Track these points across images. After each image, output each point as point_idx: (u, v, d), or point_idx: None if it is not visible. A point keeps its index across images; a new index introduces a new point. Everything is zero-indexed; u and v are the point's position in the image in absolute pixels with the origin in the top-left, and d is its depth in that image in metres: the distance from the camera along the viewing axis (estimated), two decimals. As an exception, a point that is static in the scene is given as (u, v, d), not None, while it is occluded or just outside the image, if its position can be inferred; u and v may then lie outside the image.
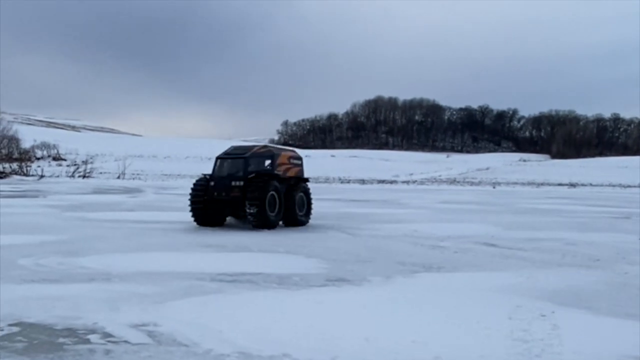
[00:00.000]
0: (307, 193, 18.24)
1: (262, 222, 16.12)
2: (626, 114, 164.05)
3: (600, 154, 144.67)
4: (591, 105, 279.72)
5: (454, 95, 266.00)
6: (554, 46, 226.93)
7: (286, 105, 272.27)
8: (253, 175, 16.50)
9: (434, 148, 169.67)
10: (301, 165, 18.69)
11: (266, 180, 16.37)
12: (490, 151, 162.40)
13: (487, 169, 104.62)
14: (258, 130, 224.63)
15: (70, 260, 10.47)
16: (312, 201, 18.63)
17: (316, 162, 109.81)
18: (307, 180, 18.76)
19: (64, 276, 9.02)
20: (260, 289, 8.28)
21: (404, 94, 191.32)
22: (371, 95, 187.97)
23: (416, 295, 8.05)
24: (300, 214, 17.66)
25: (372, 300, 7.68)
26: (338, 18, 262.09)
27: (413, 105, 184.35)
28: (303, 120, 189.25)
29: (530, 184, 72.38)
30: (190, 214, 16.94)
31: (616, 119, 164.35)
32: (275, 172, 17.07)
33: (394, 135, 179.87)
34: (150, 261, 10.60)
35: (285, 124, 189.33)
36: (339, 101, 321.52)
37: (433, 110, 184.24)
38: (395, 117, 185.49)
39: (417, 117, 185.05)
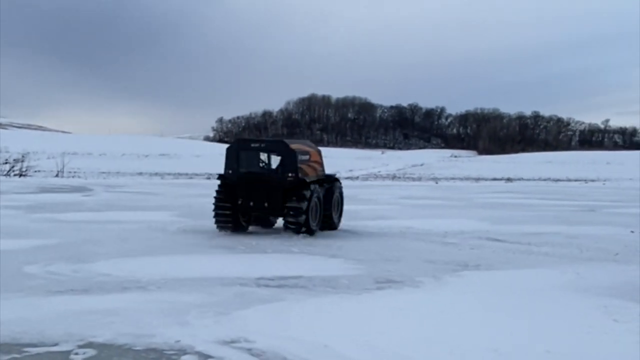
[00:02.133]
0: (341, 193, 16.24)
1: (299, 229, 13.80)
2: (545, 112, 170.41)
3: (523, 150, 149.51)
4: (513, 104, 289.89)
5: (385, 93, 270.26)
6: (478, 47, 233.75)
7: (220, 103, 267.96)
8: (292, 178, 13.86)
9: (367, 145, 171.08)
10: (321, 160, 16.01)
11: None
12: (420, 148, 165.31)
13: (422, 164, 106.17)
14: (192, 127, 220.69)
15: (82, 267, 9.40)
16: None
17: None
18: (337, 179, 16.50)
19: (91, 285, 8.00)
20: (320, 294, 7.59)
21: (337, 92, 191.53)
22: (305, 93, 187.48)
23: (484, 296, 7.58)
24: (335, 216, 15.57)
25: (446, 303, 7.15)
26: (270, 17, 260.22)
27: (346, 103, 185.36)
28: (238, 118, 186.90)
29: (467, 179, 73.68)
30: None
31: (536, 117, 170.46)
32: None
33: (328, 132, 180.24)
34: (173, 266, 9.65)
35: (220, 121, 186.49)
36: (273, 98, 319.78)
37: (365, 108, 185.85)
38: (329, 114, 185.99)
39: (350, 115, 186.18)
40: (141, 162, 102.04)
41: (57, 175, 62.13)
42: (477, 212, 21.52)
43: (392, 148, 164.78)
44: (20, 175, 60.68)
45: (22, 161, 66.61)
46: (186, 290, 7.74)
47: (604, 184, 58.09)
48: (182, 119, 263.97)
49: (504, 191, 39.52)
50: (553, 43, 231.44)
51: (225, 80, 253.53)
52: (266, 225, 15.49)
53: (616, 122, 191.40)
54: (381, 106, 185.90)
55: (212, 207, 14.47)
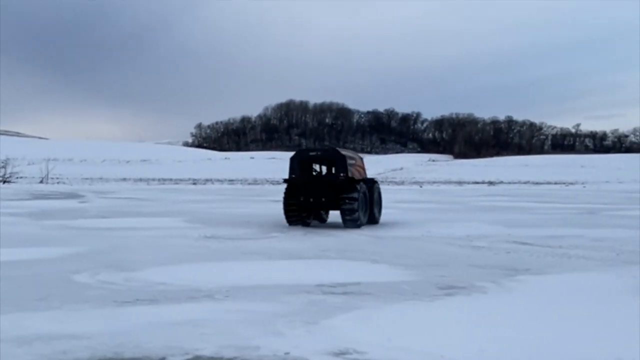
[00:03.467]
0: (380, 193, 19.04)
1: (355, 221, 16.47)
2: (519, 117, 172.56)
3: (498, 154, 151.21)
4: (487, 109, 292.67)
5: (362, 99, 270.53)
6: (452, 54, 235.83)
7: (198, 108, 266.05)
8: (344, 177, 16.72)
9: (345, 149, 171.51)
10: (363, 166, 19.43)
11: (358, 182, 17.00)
12: (397, 152, 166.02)
13: (401, 169, 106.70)
14: (170, 133, 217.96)
15: (132, 276, 9.07)
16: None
17: (237, 165, 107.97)
18: (375, 181, 19.24)
19: (155, 295, 7.68)
20: (393, 301, 7.36)
21: (314, 98, 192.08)
22: (283, 99, 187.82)
23: (554, 301, 7.42)
24: (377, 212, 18.35)
25: (523, 308, 6.98)
26: (248, 23, 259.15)
27: (323, 109, 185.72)
28: (217, 123, 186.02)
29: (448, 182, 74.20)
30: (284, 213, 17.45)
31: (510, 121, 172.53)
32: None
33: (306, 137, 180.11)
34: (223, 273, 9.37)
35: (199, 126, 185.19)
36: (252, 104, 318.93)
37: (342, 113, 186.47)
38: (307, 119, 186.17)
39: (327, 120, 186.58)
40: (123, 168, 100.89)
41: (41, 182, 61.02)
42: (483, 216, 21.55)
43: (370, 152, 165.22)
44: (4, 181, 59.42)
45: (4, 167, 65.31)
46: (255, 298, 7.47)
47: (584, 186, 59.02)
48: (160, 125, 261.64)
49: (494, 194, 39.84)
50: (525, 50, 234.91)
51: (203, 86, 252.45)
52: (321, 220, 18.66)
53: (587, 127, 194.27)
54: (358, 111, 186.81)
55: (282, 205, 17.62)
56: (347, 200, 16.29)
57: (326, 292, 7.95)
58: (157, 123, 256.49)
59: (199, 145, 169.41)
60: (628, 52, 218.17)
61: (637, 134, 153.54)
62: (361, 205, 16.61)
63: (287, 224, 17.61)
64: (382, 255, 11.42)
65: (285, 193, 17.31)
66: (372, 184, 18.42)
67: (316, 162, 17.86)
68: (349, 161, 17.13)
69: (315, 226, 17.43)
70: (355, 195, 16.30)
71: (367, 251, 12.08)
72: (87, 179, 72.51)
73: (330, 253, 11.79)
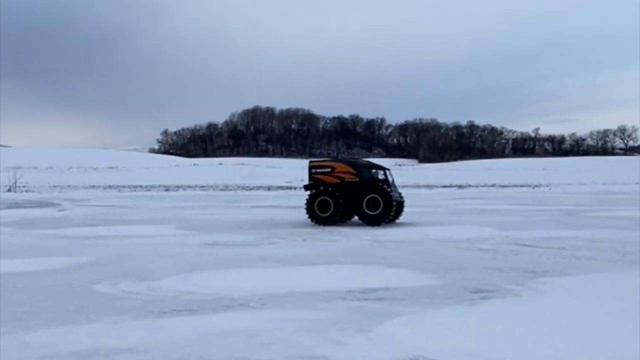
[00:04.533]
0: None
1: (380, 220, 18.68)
2: (480, 121, 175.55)
3: (461, 158, 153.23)
4: (450, 114, 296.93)
5: (327, 105, 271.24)
6: (415, 61, 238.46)
7: (164, 115, 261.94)
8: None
9: (312, 155, 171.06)
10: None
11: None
12: (363, 157, 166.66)
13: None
14: (136, 140, 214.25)
15: (154, 285, 8.80)
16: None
17: (206, 171, 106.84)
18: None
19: (190, 304, 7.44)
20: (432, 306, 7.29)
21: (280, 104, 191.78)
22: (249, 105, 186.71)
23: (589, 302, 7.46)
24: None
25: (565, 310, 6.99)
26: (214, 30, 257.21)
27: (289, 115, 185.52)
28: (183, 130, 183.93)
29: (417, 186, 74.73)
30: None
31: (472, 126, 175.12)
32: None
33: (273, 143, 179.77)
34: (247, 280, 9.16)
35: (165, 133, 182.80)
36: (218, 111, 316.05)
37: (308, 119, 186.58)
38: (274, 126, 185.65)
39: (294, 126, 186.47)
40: (90, 175, 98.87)
41: (9, 190, 59.28)
42: (471, 219, 21.70)
43: (336, 158, 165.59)
44: (-30, 190, 57.47)
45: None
46: (294, 306, 7.30)
47: (550, 189, 60.08)
48: (125, 131, 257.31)
49: (468, 198, 40.28)
50: (485, 58, 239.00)
51: (169, 93, 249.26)
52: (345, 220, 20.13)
53: (545, 131, 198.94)
54: (324, 117, 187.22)
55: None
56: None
57: (360, 298, 7.83)
58: (122, 130, 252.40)
59: (166, 152, 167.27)
60: (578, 60, 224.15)
61: (594, 137, 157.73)
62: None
63: (281, 229, 17.63)
64: (394, 260, 11.34)
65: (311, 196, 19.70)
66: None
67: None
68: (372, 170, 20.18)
69: (310, 232, 17.25)
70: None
71: (377, 256, 11.99)
72: (55, 186, 70.75)
73: (341, 258, 11.66)
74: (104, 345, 5.61)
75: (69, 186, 74.50)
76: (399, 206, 20.15)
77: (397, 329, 6.20)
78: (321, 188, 19.66)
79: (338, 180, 19.64)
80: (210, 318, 6.73)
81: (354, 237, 15.51)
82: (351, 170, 19.78)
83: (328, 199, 19.36)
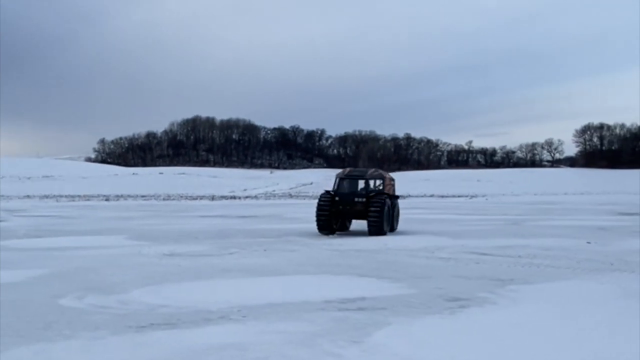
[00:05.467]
0: (398, 207, 21.05)
1: (379, 230, 18.51)
2: (417, 134, 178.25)
3: (399, 169, 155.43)
4: (388, 126, 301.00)
5: (268, 115, 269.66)
6: (354, 74, 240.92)
7: (101, 123, 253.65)
8: (374, 193, 19.36)
9: (253, 165, 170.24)
10: (394, 185, 21.65)
11: (384, 197, 19.04)
12: (304, 167, 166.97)
13: (312, 183, 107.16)
14: (71, 148, 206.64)
15: (124, 298, 8.39)
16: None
17: (146, 180, 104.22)
18: (397, 197, 21.80)
19: (168, 318, 7.11)
20: (415, 315, 7.23)
21: (221, 114, 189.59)
22: (189, 115, 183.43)
23: (564, 309, 7.58)
24: (395, 223, 20.41)
25: (543, 317, 7.07)
26: (152, 38, 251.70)
27: (230, 125, 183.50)
28: (121, 139, 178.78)
29: (359, 196, 75.43)
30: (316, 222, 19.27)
31: (409, 138, 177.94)
32: (385, 191, 19.91)
33: (214, 153, 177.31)
34: (221, 292, 8.85)
35: (102, 142, 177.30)
36: (157, 120, 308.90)
37: (249, 129, 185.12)
38: (214, 135, 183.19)
39: (234, 136, 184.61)
40: (24, 184, 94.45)
41: (-62, 200, 55.88)
42: (423, 228, 21.90)
43: (278, 168, 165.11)
44: None
45: None
46: (277, 318, 7.08)
47: (486, 199, 61.68)
48: (62, 139, 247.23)
49: (413, 207, 40.66)
50: (421, 72, 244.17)
51: (106, 101, 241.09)
52: (344, 229, 20.61)
53: (478, 143, 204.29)
54: (264, 128, 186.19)
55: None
56: (373, 208, 18.62)
57: (341, 308, 7.68)
58: (58, 138, 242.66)
59: (103, 161, 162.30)
60: (509, 76, 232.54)
61: (523, 150, 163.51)
62: (385, 218, 18.74)
63: (237, 239, 17.42)
64: (362, 269, 11.26)
65: (320, 203, 19.39)
66: (395, 200, 20.76)
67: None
68: (377, 180, 20.39)
69: (268, 242, 16.96)
70: (380, 207, 18.62)
71: (342, 265, 11.88)
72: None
73: (308, 268, 11.49)
74: (89, 363, 5.25)
75: (1, 196, 71.05)
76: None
77: (389, 340, 6.09)
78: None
79: None
80: (193, 332, 6.43)
81: (314, 247, 15.36)
82: None
83: None
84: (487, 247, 15.00)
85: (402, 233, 19.39)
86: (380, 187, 20.19)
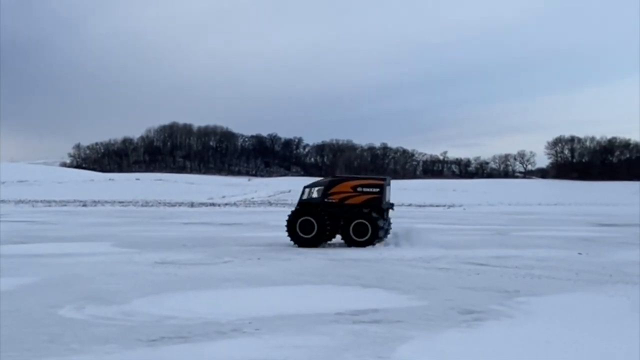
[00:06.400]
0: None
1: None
2: (393, 144, 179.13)
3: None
4: (364, 136, 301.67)
5: (246, 123, 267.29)
6: (331, 84, 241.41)
7: (76, 128, 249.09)
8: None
9: (230, 172, 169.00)
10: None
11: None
12: (281, 175, 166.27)
13: (290, 191, 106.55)
14: (45, 154, 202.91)
15: (123, 309, 7.99)
16: None
17: (122, 186, 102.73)
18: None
19: (177, 330, 6.75)
20: (434, 328, 6.97)
21: (198, 121, 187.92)
22: (166, 121, 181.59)
23: (580, 323, 7.40)
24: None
25: (562, 331, 6.87)
26: (129, 43, 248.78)
27: (207, 132, 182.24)
28: (97, 144, 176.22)
29: (337, 205, 75.23)
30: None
31: (385, 148, 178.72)
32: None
33: (191, 159, 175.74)
34: (226, 303, 8.50)
35: (78, 147, 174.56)
36: (133, 125, 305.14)
37: (227, 136, 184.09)
38: (191, 142, 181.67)
39: (212, 143, 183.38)
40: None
41: None
42: (407, 237, 21.63)
43: (255, 175, 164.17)
44: None
45: None
46: (292, 331, 6.76)
47: (464, 209, 62.00)
48: (36, 144, 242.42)
49: (395, 217, 40.56)
50: (398, 82, 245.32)
51: (81, 106, 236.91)
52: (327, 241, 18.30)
53: (452, 154, 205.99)
54: (242, 135, 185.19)
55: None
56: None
57: (355, 321, 7.39)
58: (32, 143, 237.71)
59: (79, 166, 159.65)
60: (484, 89, 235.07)
61: (497, 161, 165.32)
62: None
63: (227, 247, 17.03)
64: (364, 280, 10.98)
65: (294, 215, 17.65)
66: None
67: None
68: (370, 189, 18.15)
69: (260, 250, 16.60)
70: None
71: (343, 275, 11.59)
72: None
73: (309, 278, 11.18)
74: (107, 381, 4.88)
75: (-25, 200, 69.24)
76: None
77: (415, 355, 5.83)
78: None
79: None
80: (208, 346, 6.08)
81: (308, 256, 15.03)
82: None
83: None
84: (481, 257, 14.84)
85: (391, 242, 19.10)
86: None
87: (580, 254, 15.82)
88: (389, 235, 19.17)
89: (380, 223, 17.53)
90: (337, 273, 11.86)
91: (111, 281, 10.46)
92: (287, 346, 6.08)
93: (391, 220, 19.49)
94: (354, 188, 18.09)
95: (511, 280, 10.97)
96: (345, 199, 17.87)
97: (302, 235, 17.46)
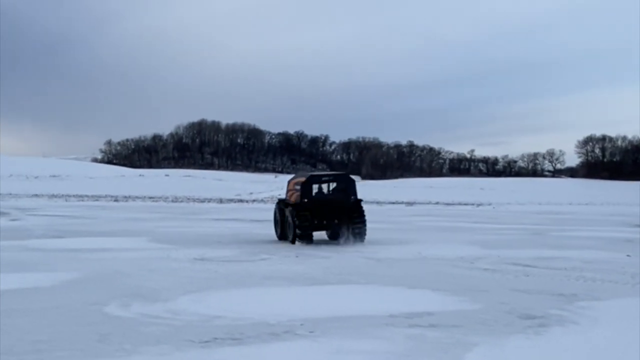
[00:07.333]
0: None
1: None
2: (419, 142, 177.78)
3: (402, 176, 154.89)
4: (391, 133, 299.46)
5: (273, 121, 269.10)
6: (357, 81, 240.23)
7: (107, 125, 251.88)
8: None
9: (257, 169, 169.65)
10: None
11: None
12: (307, 172, 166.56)
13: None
14: (77, 149, 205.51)
15: (170, 307, 7.74)
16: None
17: (152, 182, 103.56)
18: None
19: (230, 332, 6.46)
20: (494, 333, 6.58)
21: (226, 118, 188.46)
22: (195, 118, 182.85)
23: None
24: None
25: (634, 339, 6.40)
26: (161, 42, 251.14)
27: (235, 129, 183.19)
28: (127, 140, 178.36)
29: (366, 202, 74.66)
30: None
31: (412, 146, 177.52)
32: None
33: (218, 156, 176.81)
34: (273, 303, 8.21)
35: (109, 143, 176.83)
36: (163, 122, 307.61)
37: (254, 134, 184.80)
38: (219, 139, 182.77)
39: (239, 140, 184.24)
40: (32, 183, 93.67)
41: (-53, 197, 55.23)
42: (446, 236, 21.15)
43: (281, 172, 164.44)
44: None
45: None
46: (348, 334, 6.42)
47: (493, 208, 60.95)
48: (66, 140, 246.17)
49: (425, 214, 39.99)
50: (424, 80, 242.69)
51: (113, 103, 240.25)
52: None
53: (480, 152, 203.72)
54: (269, 132, 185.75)
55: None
56: (357, 222, 17.53)
57: (411, 324, 7.02)
58: (64, 138, 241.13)
59: (109, 162, 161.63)
60: (513, 87, 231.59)
61: (525, 159, 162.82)
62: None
63: (262, 244, 17.00)
64: (409, 280, 10.60)
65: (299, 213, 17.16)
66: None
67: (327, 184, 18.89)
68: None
69: (296, 247, 16.32)
70: (364, 218, 17.95)
71: (387, 275, 11.23)
72: (-5, 194, 66.52)
73: (352, 277, 10.83)
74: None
75: (9, 194, 70.39)
76: None
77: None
78: None
79: None
80: (263, 349, 5.78)
81: (345, 254, 14.69)
82: None
83: None
84: (525, 258, 14.30)
85: (427, 241, 18.58)
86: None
87: (629, 256, 15.17)
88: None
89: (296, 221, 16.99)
90: (379, 273, 11.47)
91: (152, 277, 10.26)
92: (345, 351, 5.74)
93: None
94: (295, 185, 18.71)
95: (563, 283, 10.46)
96: (291, 195, 18.72)
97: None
